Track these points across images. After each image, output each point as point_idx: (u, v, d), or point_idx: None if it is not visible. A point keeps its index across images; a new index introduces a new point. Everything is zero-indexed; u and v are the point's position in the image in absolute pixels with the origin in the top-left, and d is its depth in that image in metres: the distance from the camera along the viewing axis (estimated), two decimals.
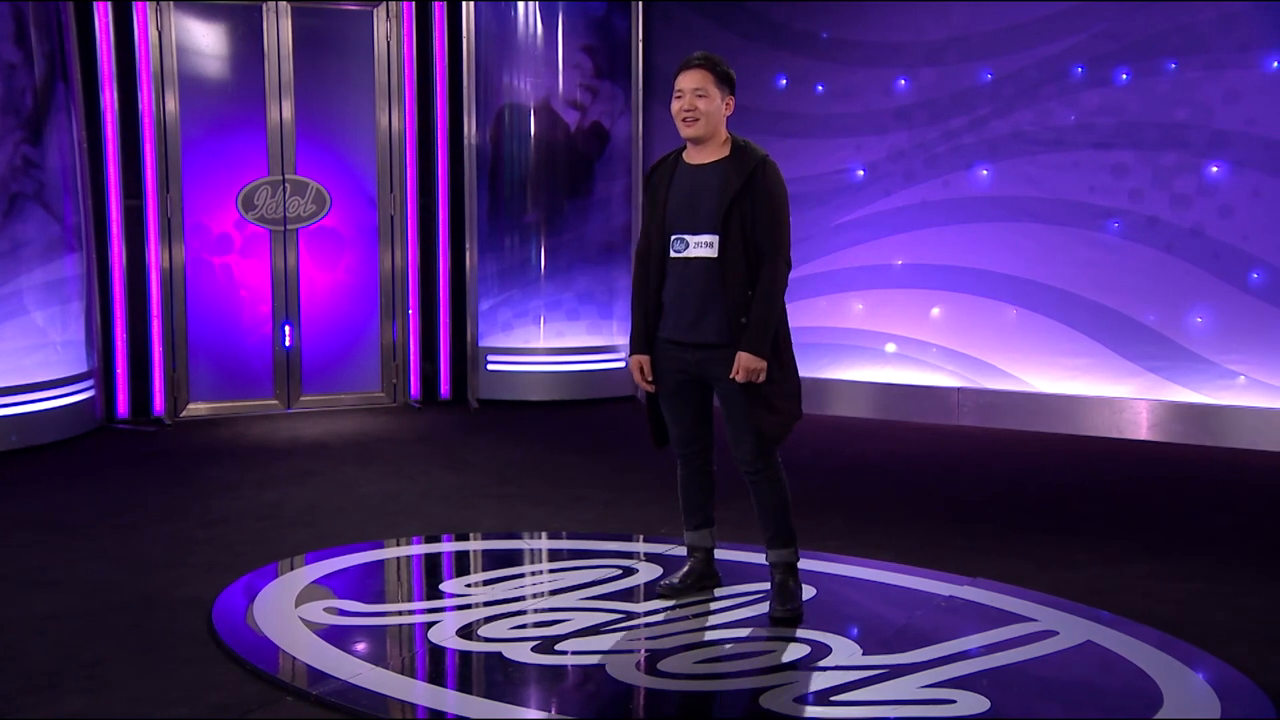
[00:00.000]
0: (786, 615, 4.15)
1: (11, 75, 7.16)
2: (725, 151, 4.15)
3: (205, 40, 8.32)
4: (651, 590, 4.47)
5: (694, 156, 4.19)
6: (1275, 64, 7.16)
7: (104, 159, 7.96)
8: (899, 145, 8.38)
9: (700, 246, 4.09)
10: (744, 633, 4.05)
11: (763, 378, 4.06)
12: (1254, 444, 7.25)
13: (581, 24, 8.98)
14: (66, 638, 4.06)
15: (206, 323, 8.46)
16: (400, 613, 4.38)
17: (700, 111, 4.09)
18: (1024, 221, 7.98)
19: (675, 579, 4.42)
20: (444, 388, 9.07)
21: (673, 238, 4.15)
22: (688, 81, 4.12)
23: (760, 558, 4.61)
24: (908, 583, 4.61)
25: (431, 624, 4.20)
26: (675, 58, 9.66)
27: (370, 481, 6.45)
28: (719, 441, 4.36)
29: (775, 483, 4.19)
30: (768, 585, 4.38)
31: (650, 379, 4.28)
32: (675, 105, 4.15)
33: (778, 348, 4.15)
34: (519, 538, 5.33)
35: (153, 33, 8.06)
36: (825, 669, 3.75)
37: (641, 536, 5.28)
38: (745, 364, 4.04)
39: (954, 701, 3.48)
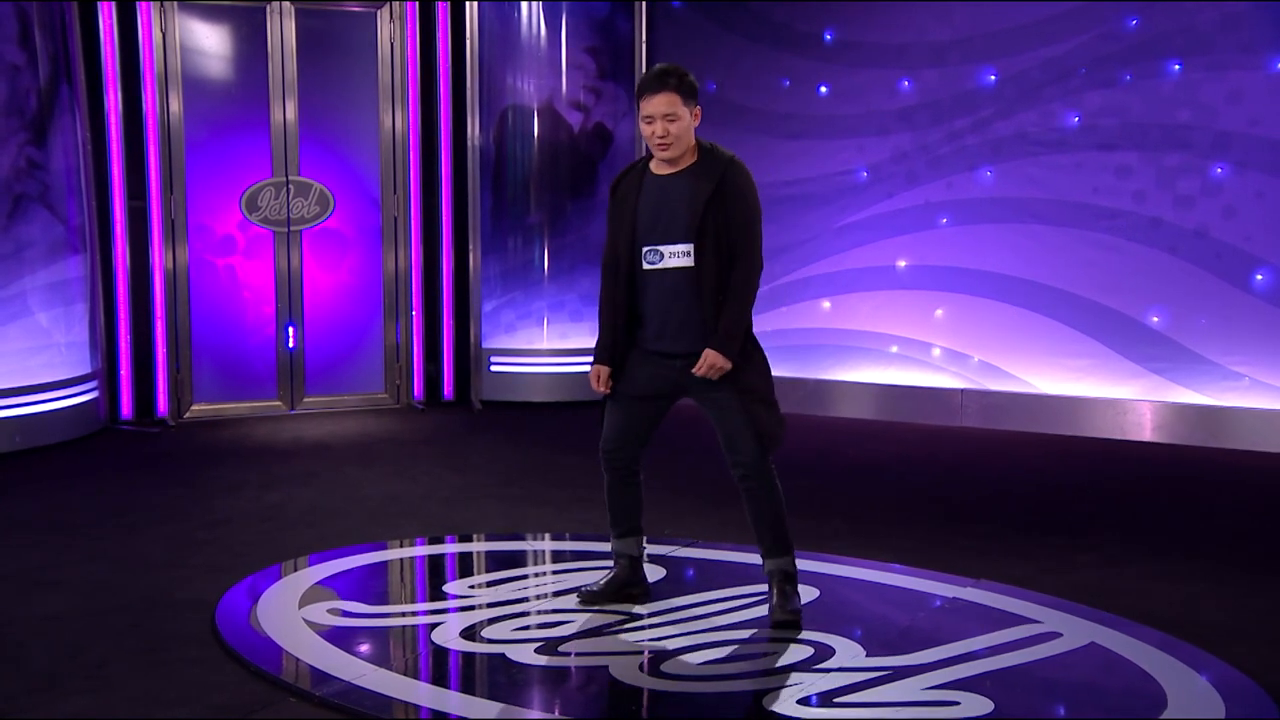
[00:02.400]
0: (786, 619, 4.09)
1: (16, 77, 7.17)
2: (692, 159, 4.08)
3: (209, 41, 8.33)
4: (655, 592, 4.47)
5: (662, 168, 4.11)
6: (1278, 65, 7.15)
7: (108, 160, 7.97)
8: (902, 146, 8.38)
9: (676, 256, 4.04)
10: (747, 634, 4.05)
11: (713, 374, 3.98)
12: (1257, 445, 7.24)
13: (585, 25, 8.98)
14: (69, 638, 4.06)
15: (210, 324, 8.46)
16: (403, 614, 4.38)
17: (673, 136, 4.01)
18: (1027, 223, 7.97)
19: (596, 585, 4.40)
20: (447, 389, 9.08)
21: (645, 250, 4.08)
22: (656, 106, 4.00)
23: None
24: (911, 584, 4.60)
25: (435, 625, 4.20)
26: (678, 59, 9.66)
27: (373, 482, 6.46)
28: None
29: (772, 491, 4.12)
30: (768, 587, 4.39)
31: (609, 387, 4.21)
32: (646, 130, 4.04)
33: (748, 351, 4.08)
34: (522, 539, 5.33)
35: (156, 34, 8.07)
36: (829, 670, 3.75)
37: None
38: (711, 360, 3.97)
39: (958, 703, 3.48)
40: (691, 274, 4.02)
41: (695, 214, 3.99)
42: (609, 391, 4.24)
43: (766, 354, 4.18)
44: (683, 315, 4.07)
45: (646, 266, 4.10)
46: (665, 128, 4.00)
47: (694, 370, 4.01)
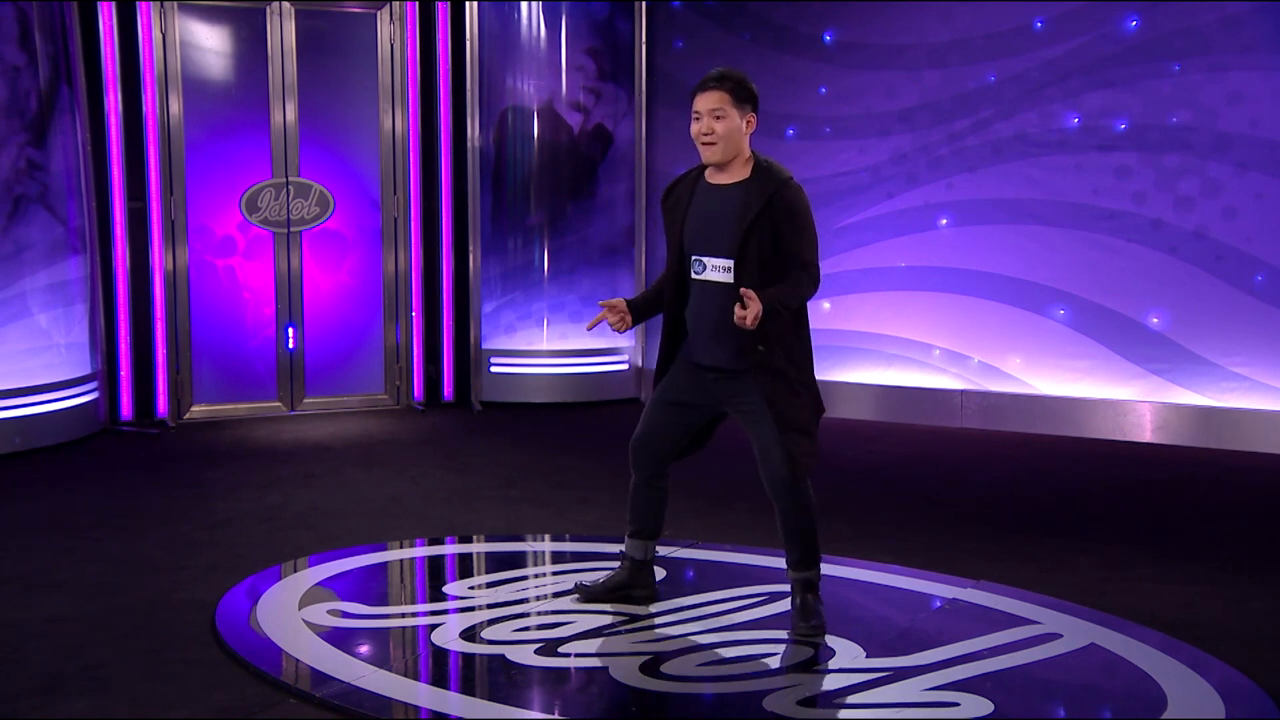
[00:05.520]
0: (810, 632, 4.04)
1: (16, 78, 7.17)
2: (747, 172, 4.02)
3: (209, 42, 8.33)
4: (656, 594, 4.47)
5: (715, 177, 4.07)
6: (1279, 65, 7.14)
7: (108, 161, 7.97)
8: (902, 147, 8.38)
9: (717, 271, 3.98)
10: (747, 635, 4.05)
11: (750, 324, 3.76)
12: (1258, 446, 7.24)
13: (585, 26, 8.98)
14: (69, 640, 4.06)
15: (210, 325, 8.46)
16: (403, 615, 4.38)
17: (718, 135, 3.97)
18: (1027, 224, 7.97)
19: (595, 580, 4.41)
20: (447, 390, 9.07)
21: (692, 259, 4.06)
22: (704, 103, 3.99)
23: (764, 560, 4.61)
24: (911, 585, 4.60)
25: (434, 626, 4.20)
26: (678, 60, 9.56)
27: (373, 484, 6.46)
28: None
29: (802, 509, 4.04)
30: (770, 588, 4.39)
31: (620, 315, 4.13)
32: (693, 128, 4.02)
33: (802, 368, 4.01)
34: (522, 540, 5.33)
35: (156, 35, 8.07)
36: (829, 672, 3.75)
37: None
38: (754, 306, 3.73)
39: (958, 704, 3.48)
40: (730, 290, 3.93)
41: (741, 229, 3.93)
42: (618, 322, 4.14)
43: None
44: (717, 329, 4.01)
45: (693, 276, 4.06)
46: (711, 125, 3.97)
47: (737, 319, 3.77)
